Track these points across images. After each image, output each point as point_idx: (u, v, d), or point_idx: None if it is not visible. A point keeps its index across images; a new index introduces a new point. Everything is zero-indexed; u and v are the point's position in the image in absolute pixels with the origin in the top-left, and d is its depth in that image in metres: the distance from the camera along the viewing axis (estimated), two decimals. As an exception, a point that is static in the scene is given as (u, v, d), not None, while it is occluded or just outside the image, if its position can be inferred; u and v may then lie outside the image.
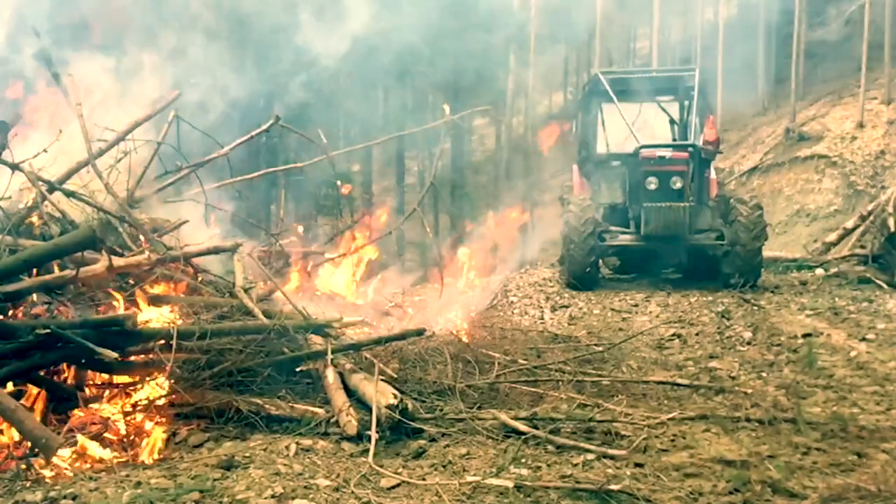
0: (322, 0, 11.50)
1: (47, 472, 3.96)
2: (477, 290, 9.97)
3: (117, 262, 5.10)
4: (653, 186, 11.06)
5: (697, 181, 11.53)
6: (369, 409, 4.57)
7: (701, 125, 11.82)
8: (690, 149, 11.34)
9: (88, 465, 4.12)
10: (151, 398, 4.68)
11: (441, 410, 5.05)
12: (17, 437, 4.23)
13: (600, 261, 12.08)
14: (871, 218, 12.58)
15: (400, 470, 4.10)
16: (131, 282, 5.63)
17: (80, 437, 4.24)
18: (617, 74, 13.90)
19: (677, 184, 11.01)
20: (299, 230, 9.26)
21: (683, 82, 12.39)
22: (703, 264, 11.74)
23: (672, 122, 12.22)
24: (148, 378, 4.78)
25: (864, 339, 7.41)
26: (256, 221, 8.01)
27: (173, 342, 4.62)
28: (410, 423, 4.58)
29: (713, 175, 12.37)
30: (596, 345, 7.40)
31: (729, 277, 10.73)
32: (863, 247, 12.28)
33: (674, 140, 12.11)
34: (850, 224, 13.80)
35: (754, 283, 10.82)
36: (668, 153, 11.24)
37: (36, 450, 4.09)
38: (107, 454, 4.21)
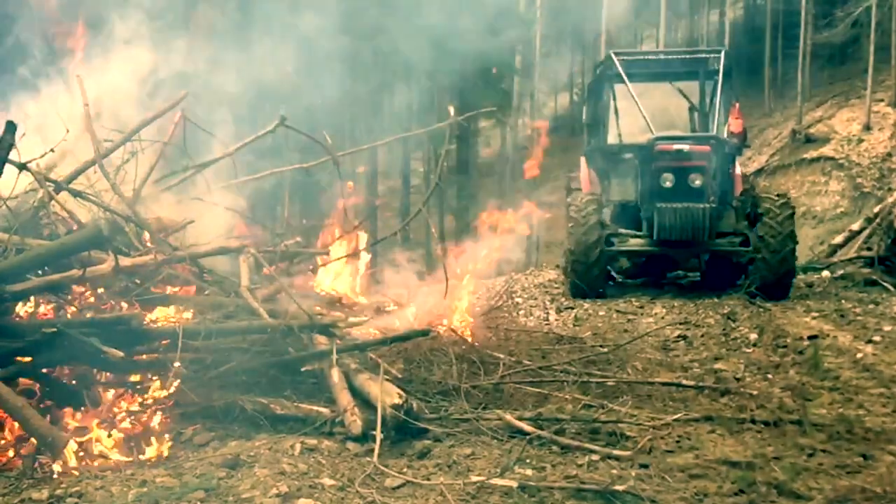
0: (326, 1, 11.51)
1: (57, 468, 3.98)
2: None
3: (124, 261, 5.11)
4: (668, 184, 10.00)
5: (720, 178, 10.35)
6: (374, 409, 4.57)
7: (725, 115, 10.82)
8: (713, 142, 10.19)
9: (96, 464, 4.13)
10: (157, 397, 4.69)
11: (446, 410, 5.06)
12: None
13: (608, 266, 11.09)
14: (878, 220, 12.50)
15: (405, 470, 4.11)
16: (137, 282, 5.65)
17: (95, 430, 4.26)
18: (632, 55, 12.40)
19: (697, 181, 9.96)
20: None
21: (706, 65, 11.10)
22: (725, 272, 10.80)
23: (692, 109, 10.85)
24: (154, 377, 4.80)
25: (870, 342, 7.38)
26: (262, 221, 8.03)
27: (179, 341, 4.63)
28: (415, 423, 4.58)
29: (738, 171, 11.21)
30: (601, 346, 7.39)
31: (752, 288, 9.68)
32: (869, 249, 12.20)
33: (693, 130, 10.77)
34: (856, 226, 13.72)
35: (783, 297, 9.68)
36: (686, 146, 10.10)
37: (42, 448, 4.11)
38: (114, 452, 4.23)
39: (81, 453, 4.17)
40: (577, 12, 24.75)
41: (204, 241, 6.49)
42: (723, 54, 11.05)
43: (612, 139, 11.34)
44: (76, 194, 5.93)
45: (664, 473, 4.09)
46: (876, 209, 13.55)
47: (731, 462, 4.25)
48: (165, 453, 4.29)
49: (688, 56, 12.02)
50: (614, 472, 4.10)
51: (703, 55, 11.58)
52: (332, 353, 5.15)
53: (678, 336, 8.06)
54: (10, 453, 4.22)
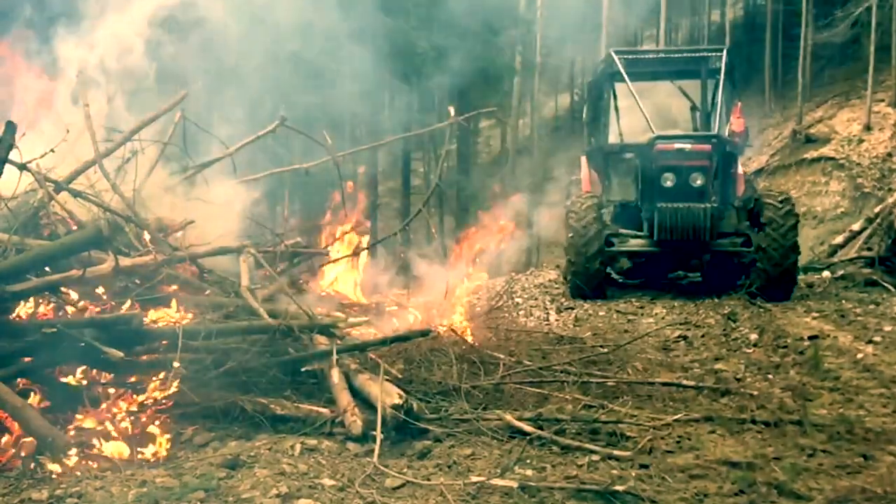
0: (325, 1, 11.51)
1: (56, 468, 3.98)
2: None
3: (124, 262, 5.11)
4: (669, 183, 9.89)
5: (721, 178, 10.27)
6: (374, 410, 4.57)
7: (727, 114, 10.72)
8: (714, 140, 10.05)
9: (95, 465, 4.13)
10: (157, 398, 4.69)
11: (446, 411, 5.06)
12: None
13: (608, 267, 10.97)
14: (878, 220, 12.50)
15: (405, 470, 4.11)
16: (137, 282, 5.65)
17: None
18: (633, 54, 12.39)
19: (698, 181, 9.84)
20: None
21: (708, 64, 11.03)
22: (726, 272, 10.59)
23: (694, 108, 10.76)
24: (154, 377, 4.80)
25: (870, 342, 7.37)
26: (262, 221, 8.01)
27: (179, 342, 4.62)
28: (415, 423, 4.58)
29: (740, 170, 11.13)
30: (601, 346, 7.38)
31: (753, 289, 9.60)
32: (870, 249, 12.20)
33: (695, 129, 10.68)
34: (856, 226, 13.72)
35: (785, 298, 9.57)
36: (687, 145, 9.99)
37: (42, 448, 4.11)
38: (117, 449, 4.23)
39: (81, 454, 4.16)
40: (577, 12, 24.73)
41: (217, 239, 6.48)
42: (724, 53, 10.92)
43: (612, 138, 11.23)
44: (76, 194, 5.94)
45: (664, 474, 4.09)
46: (876, 209, 13.55)
47: (731, 462, 4.25)
48: (165, 453, 4.29)
49: (689, 55, 11.86)
50: (614, 472, 4.10)
51: (705, 54, 11.45)
52: (332, 354, 5.15)
53: (678, 336, 8.05)
54: (10, 453, 4.21)
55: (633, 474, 4.06)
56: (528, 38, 26.59)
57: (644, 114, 10.22)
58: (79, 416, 4.46)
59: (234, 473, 3.93)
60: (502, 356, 6.35)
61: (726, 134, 10.59)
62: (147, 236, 5.95)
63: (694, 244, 10.17)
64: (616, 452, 4.33)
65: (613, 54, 11.20)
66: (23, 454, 4.17)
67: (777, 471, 4.09)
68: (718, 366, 6.79)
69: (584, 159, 11.94)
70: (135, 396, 4.70)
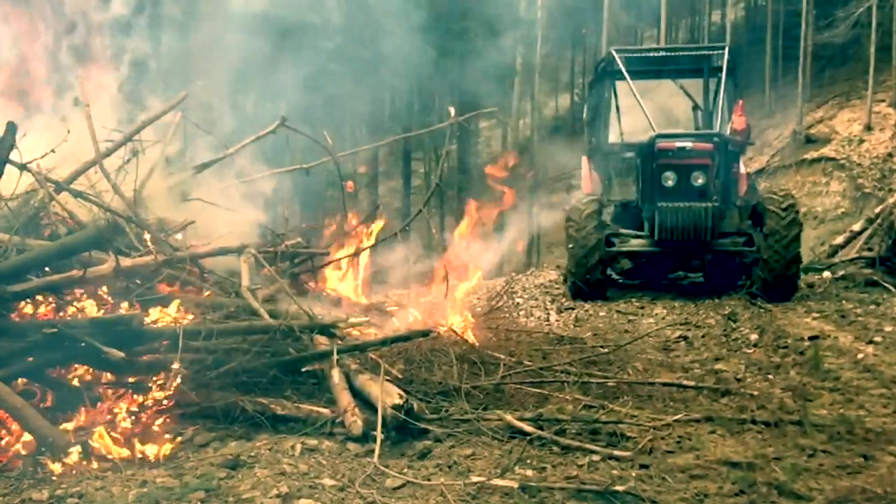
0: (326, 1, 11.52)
1: (57, 468, 3.99)
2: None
3: (124, 262, 5.11)
4: (670, 183, 9.75)
5: (723, 177, 10.15)
6: (375, 410, 4.57)
7: (729, 112, 10.61)
8: (716, 139, 9.90)
9: (95, 465, 4.13)
10: (158, 398, 4.69)
11: (446, 411, 5.05)
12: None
13: (609, 268, 10.86)
14: (879, 221, 12.47)
15: (405, 470, 4.11)
16: (138, 282, 5.65)
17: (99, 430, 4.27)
18: (633, 52, 12.29)
19: (699, 180, 9.69)
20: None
21: (710, 62, 10.97)
22: (728, 272, 10.51)
23: (695, 107, 10.77)
24: (154, 378, 4.80)
25: (871, 342, 7.37)
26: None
27: (179, 342, 4.63)
28: (416, 423, 4.58)
29: (742, 170, 11.01)
30: (601, 346, 7.37)
31: (756, 289, 9.53)
32: (870, 249, 12.17)
33: (697, 128, 10.68)
34: (857, 227, 13.68)
35: (786, 299, 9.50)
36: (689, 144, 9.85)
37: (42, 448, 4.12)
38: (118, 450, 4.24)
39: (81, 454, 4.17)
40: (577, 12, 24.76)
41: (218, 239, 6.48)
42: (726, 51, 10.78)
43: (613, 138, 11.16)
44: (77, 195, 5.94)
45: (665, 474, 4.09)
46: (877, 210, 13.53)
47: (731, 462, 4.25)
48: (166, 454, 4.29)
49: (691, 53, 11.77)
50: (615, 472, 4.10)
51: (707, 52, 11.38)
52: (332, 354, 5.15)
53: (679, 337, 8.04)
54: (11, 453, 4.21)
55: (634, 474, 4.06)
56: (528, 38, 26.55)
57: (645, 112, 10.12)
58: (80, 417, 4.46)
59: (235, 473, 3.93)
60: (503, 356, 6.35)
61: (728, 132, 10.50)
62: (148, 236, 5.95)
63: (695, 244, 10.07)
64: (616, 452, 4.33)
65: (614, 52, 11.12)
66: (23, 454, 4.18)
67: (777, 471, 4.09)
68: (719, 366, 6.79)
69: (584, 159, 11.86)
70: (135, 396, 4.70)
